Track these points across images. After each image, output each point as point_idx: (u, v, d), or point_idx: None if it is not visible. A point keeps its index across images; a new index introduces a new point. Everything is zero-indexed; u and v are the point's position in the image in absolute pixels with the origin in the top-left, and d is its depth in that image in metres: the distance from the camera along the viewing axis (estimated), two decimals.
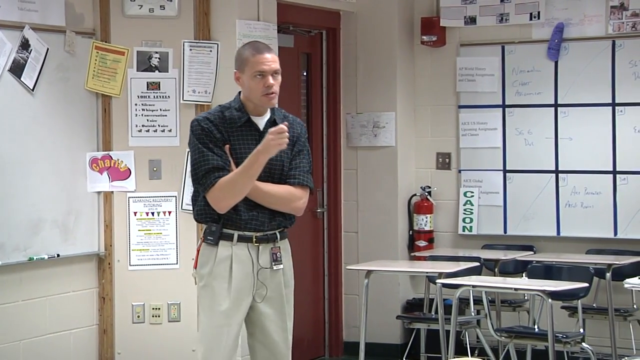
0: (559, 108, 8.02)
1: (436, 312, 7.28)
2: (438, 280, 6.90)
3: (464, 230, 8.32)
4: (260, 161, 4.65)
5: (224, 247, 4.74)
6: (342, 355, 8.44)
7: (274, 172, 4.78)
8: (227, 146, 4.74)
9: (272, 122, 4.78)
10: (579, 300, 6.87)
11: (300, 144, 4.87)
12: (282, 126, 4.65)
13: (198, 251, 4.83)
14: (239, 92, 4.86)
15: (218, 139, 4.73)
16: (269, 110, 4.84)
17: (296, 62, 8.15)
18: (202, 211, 4.78)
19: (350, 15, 8.41)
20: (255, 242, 4.75)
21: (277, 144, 4.63)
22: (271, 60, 4.77)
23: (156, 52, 6.81)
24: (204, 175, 4.70)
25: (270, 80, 4.75)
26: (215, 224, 4.74)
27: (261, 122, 4.80)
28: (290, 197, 4.79)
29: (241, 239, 4.74)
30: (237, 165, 4.70)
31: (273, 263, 4.78)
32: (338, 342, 8.44)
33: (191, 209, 4.92)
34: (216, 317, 4.72)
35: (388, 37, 8.33)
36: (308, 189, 4.86)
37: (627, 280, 6.39)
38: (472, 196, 8.28)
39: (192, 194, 4.89)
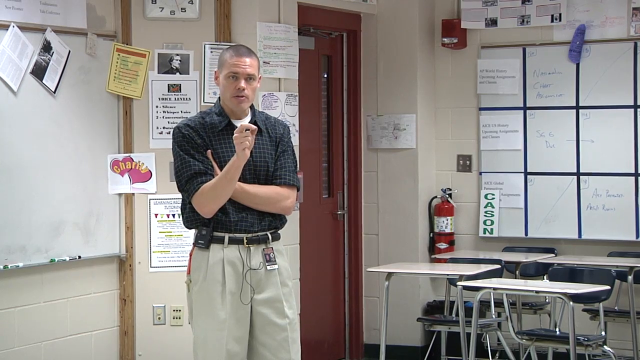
0: (580, 110, 8.00)
1: (457, 315, 7.27)
2: (459, 283, 6.90)
3: (484, 233, 8.31)
4: (235, 165, 4.64)
5: (215, 251, 4.74)
6: (363, 358, 8.43)
7: (259, 173, 4.80)
8: (209, 151, 4.75)
9: (253, 124, 4.75)
10: (601, 303, 6.86)
11: (284, 143, 4.88)
12: (243, 124, 4.62)
13: (190, 256, 4.82)
14: (219, 97, 4.87)
15: (199, 144, 4.74)
16: (249, 113, 4.84)
17: (317, 64, 8.15)
18: (190, 217, 4.79)
19: (370, 17, 8.41)
20: (247, 244, 4.75)
21: (240, 143, 4.60)
22: (248, 64, 4.76)
23: (177, 55, 6.83)
24: (187, 182, 4.72)
25: (242, 83, 4.75)
26: (205, 228, 4.74)
27: None
28: (277, 197, 4.80)
29: (232, 241, 4.74)
30: (221, 169, 4.71)
31: (267, 264, 4.78)
32: (358, 344, 8.44)
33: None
34: (214, 322, 4.72)
35: (409, 39, 8.33)
36: (295, 188, 4.87)
37: None
38: (493, 198, 8.27)
39: (181, 202, 4.88)
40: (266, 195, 4.77)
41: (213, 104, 4.90)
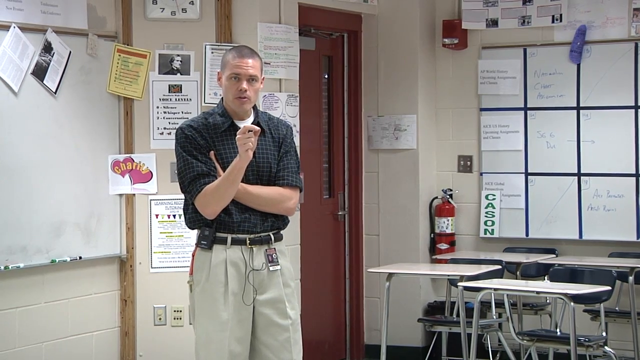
0: (581, 111, 8.00)
1: (457, 315, 7.28)
2: (459, 283, 6.90)
3: (485, 233, 8.31)
4: (238, 166, 4.64)
5: (218, 251, 4.74)
6: (364, 358, 8.43)
7: (262, 174, 4.79)
8: (212, 152, 4.75)
9: (256, 125, 4.75)
10: (602, 304, 6.86)
11: (287, 144, 4.88)
12: (246, 126, 4.63)
13: (193, 256, 4.82)
14: (222, 98, 4.86)
15: (202, 145, 4.74)
16: (252, 114, 4.84)
17: (317, 65, 8.15)
18: (193, 218, 4.79)
19: (371, 17, 8.41)
20: (249, 245, 4.75)
21: (242, 144, 4.60)
22: (250, 65, 4.75)
23: (178, 55, 6.83)
24: (190, 183, 4.72)
25: (244, 84, 4.74)
26: (208, 228, 4.74)
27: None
28: (279, 198, 4.80)
29: (235, 241, 4.74)
30: (224, 170, 4.71)
31: (269, 264, 4.77)
32: (359, 344, 8.44)
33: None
34: (217, 323, 4.71)
35: (409, 40, 8.33)
36: (298, 189, 4.87)
37: None
38: (494, 199, 8.26)
39: (183, 203, 4.88)
40: (269, 196, 4.77)
41: (215, 105, 4.90)
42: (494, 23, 8.21)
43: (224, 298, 4.71)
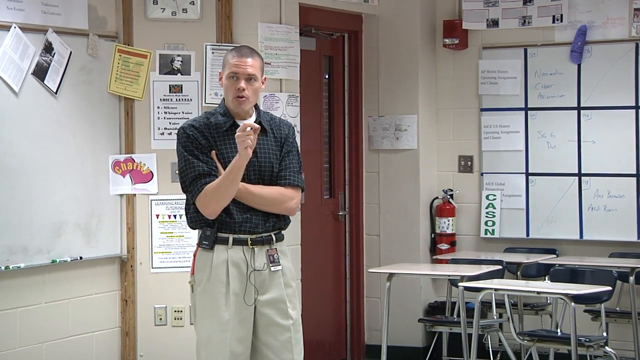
0: (581, 111, 8.00)
1: (458, 316, 7.28)
2: (460, 284, 6.90)
3: (486, 234, 8.31)
4: (237, 164, 4.63)
5: (219, 251, 4.73)
6: (364, 359, 8.43)
7: (264, 174, 4.79)
8: (213, 152, 4.74)
9: (257, 125, 4.73)
10: (602, 304, 6.86)
11: (289, 144, 4.88)
12: (246, 123, 4.62)
13: (194, 257, 4.82)
14: (223, 98, 4.86)
15: (204, 145, 4.74)
16: (254, 113, 4.83)
17: (318, 65, 8.15)
18: (195, 218, 4.78)
19: (372, 18, 8.41)
20: (251, 245, 4.74)
21: (242, 142, 4.59)
22: (249, 64, 4.74)
23: (178, 55, 6.83)
24: (191, 183, 4.71)
25: (242, 83, 4.73)
26: (209, 228, 4.74)
27: None
28: (281, 197, 4.79)
29: (236, 242, 4.73)
30: (225, 170, 4.71)
31: (270, 265, 4.77)
32: (360, 345, 8.44)
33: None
34: (218, 323, 4.71)
35: (410, 40, 8.33)
36: (299, 188, 4.86)
37: None
38: (495, 199, 8.26)
39: (185, 203, 4.88)
40: (270, 196, 4.77)
41: (217, 105, 4.89)
42: (494, 23, 8.21)
43: (225, 298, 4.71)
